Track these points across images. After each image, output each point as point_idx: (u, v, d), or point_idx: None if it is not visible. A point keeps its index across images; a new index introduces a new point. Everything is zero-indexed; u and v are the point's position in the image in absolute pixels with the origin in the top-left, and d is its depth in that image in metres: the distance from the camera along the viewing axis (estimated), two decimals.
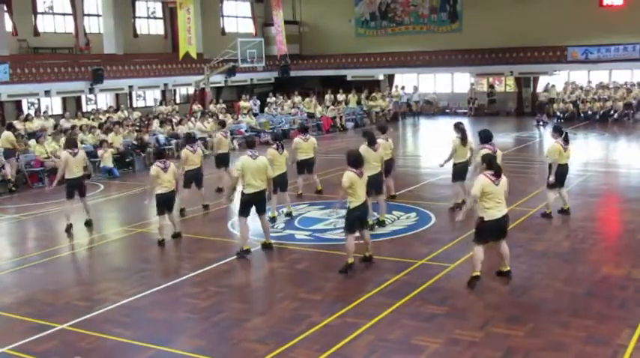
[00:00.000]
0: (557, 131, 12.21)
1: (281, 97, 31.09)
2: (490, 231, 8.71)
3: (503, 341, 7.11)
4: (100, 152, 18.76)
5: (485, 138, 11.40)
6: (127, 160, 19.67)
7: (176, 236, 11.72)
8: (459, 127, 12.71)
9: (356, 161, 9.44)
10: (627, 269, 9.32)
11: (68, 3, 29.15)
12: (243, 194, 10.49)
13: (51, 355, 7.19)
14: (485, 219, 8.62)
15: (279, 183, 12.32)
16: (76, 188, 12.67)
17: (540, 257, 9.94)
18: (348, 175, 9.25)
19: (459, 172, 12.78)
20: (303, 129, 14.62)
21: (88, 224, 12.88)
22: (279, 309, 8.25)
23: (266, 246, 10.79)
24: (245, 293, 9.07)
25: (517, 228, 11.22)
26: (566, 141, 11.95)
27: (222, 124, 17.63)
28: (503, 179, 8.75)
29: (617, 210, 13.73)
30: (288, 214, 12.87)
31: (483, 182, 8.56)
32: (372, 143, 11.43)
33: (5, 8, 26.36)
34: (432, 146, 24.12)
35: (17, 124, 20.22)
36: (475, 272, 8.72)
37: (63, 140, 17.14)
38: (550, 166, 11.89)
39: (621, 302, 8.13)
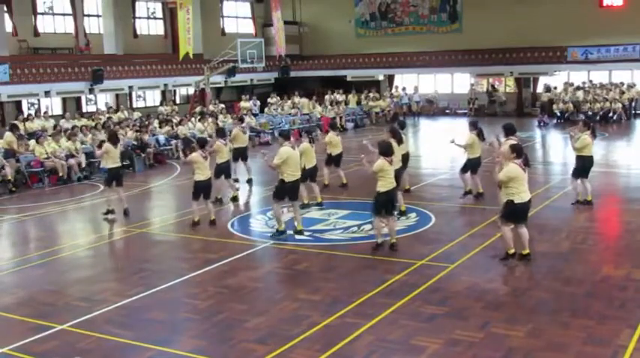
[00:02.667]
0: (586, 125, 12.95)
1: (277, 97, 31.05)
2: (518, 213, 9.57)
3: (503, 341, 7.11)
4: (99, 152, 18.65)
5: (509, 130, 11.74)
6: (124, 164, 19.54)
7: (211, 223, 12.39)
8: (475, 126, 13.66)
9: (387, 150, 10.35)
10: (627, 270, 9.32)
11: (68, 3, 29.12)
12: (284, 182, 11.34)
13: (51, 355, 7.18)
14: (516, 202, 9.45)
15: (310, 174, 13.28)
16: (116, 177, 13.48)
17: (540, 257, 9.92)
18: (379, 162, 10.15)
19: (472, 166, 13.67)
20: (334, 126, 16.09)
21: (126, 213, 13.43)
22: (279, 309, 8.25)
23: (299, 233, 11.49)
24: (245, 293, 9.05)
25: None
26: (594, 135, 12.83)
27: (241, 120, 18.26)
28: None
29: (617, 211, 13.73)
30: (319, 204, 13.62)
31: (514, 170, 9.43)
32: (397, 138, 12.28)
33: (5, 8, 26.32)
34: (431, 147, 24.10)
35: (18, 125, 20.19)
36: (510, 250, 9.64)
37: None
38: (577, 157, 12.75)
39: (621, 303, 8.13)
